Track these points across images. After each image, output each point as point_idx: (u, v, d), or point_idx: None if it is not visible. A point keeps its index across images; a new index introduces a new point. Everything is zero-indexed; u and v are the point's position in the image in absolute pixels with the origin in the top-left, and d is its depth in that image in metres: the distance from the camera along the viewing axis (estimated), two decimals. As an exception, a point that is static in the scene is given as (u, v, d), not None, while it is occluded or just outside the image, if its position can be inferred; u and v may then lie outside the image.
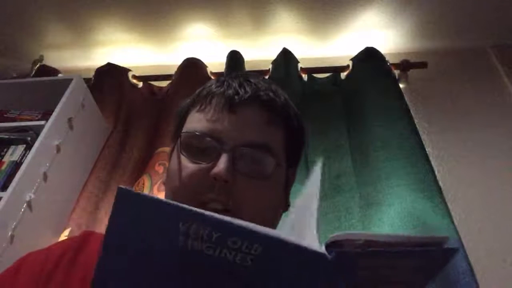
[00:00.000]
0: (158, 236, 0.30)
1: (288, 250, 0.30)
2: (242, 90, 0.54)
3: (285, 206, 0.61)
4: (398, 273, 0.33)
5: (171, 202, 0.30)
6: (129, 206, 0.30)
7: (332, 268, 0.30)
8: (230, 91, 0.54)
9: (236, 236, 0.29)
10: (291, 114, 0.58)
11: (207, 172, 0.50)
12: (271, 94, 0.56)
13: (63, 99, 1.19)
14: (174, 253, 0.30)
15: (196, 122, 0.54)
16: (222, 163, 0.49)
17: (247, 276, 0.31)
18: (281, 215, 0.59)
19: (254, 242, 0.30)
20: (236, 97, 0.53)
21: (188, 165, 0.51)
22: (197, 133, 0.52)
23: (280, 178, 0.56)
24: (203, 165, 0.51)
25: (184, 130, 0.55)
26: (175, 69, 1.57)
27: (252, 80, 0.56)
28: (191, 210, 0.30)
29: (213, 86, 0.56)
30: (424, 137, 1.29)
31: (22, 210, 0.99)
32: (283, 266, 0.31)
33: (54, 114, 1.15)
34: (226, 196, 0.49)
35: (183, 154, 0.52)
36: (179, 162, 0.53)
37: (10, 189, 0.97)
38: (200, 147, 0.52)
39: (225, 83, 0.56)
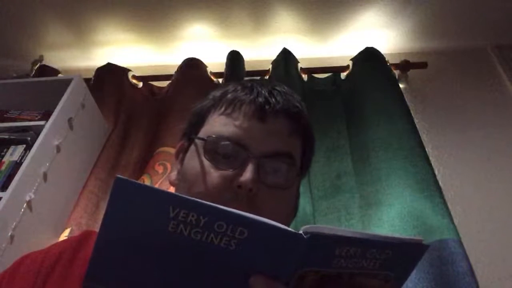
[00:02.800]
0: (150, 222, 0.32)
1: (268, 232, 0.32)
2: (273, 99, 0.54)
3: (295, 213, 0.61)
4: (369, 265, 0.35)
5: (162, 189, 0.32)
6: (125, 194, 0.31)
7: (307, 247, 0.32)
8: (261, 99, 0.54)
9: (222, 220, 0.31)
10: (309, 125, 0.59)
11: (231, 180, 0.49)
12: (298, 105, 0.57)
13: (63, 99, 1.19)
14: (164, 238, 0.32)
15: (222, 126, 0.53)
16: (248, 172, 0.48)
17: (231, 259, 0.33)
18: (291, 222, 0.60)
19: (238, 225, 0.31)
20: (267, 106, 0.53)
21: (212, 172, 0.51)
22: (224, 139, 0.52)
23: (296, 187, 0.57)
24: (228, 172, 0.50)
25: (207, 132, 0.54)
26: (175, 69, 1.57)
27: (279, 89, 0.56)
28: (181, 197, 0.32)
29: (240, 92, 0.55)
30: (424, 137, 1.29)
31: (22, 210, 0.99)
32: (264, 249, 0.33)
33: (54, 114, 1.15)
34: (248, 205, 0.49)
35: (206, 159, 0.52)
36: (202, 167, 0.52)
37: (10, 189, 0.97)
38: (226, 153, 0.51)
39: (254, 90, 0.55)
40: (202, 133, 0.55)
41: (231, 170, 0.50)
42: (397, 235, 0.36)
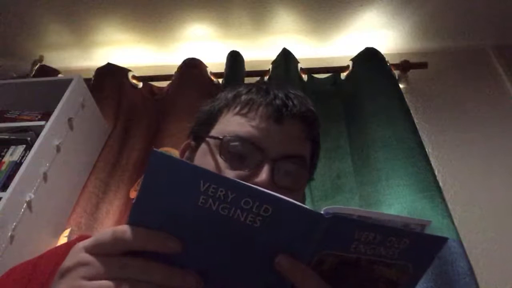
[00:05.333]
0: (182, 195, 0.33)
1: (291, 210, 0.33)
2: (290, 103, 0.54)
3: None
4: (387, 253, 0.35)
5: (194, 164, 0.33)
6: (160, 167, 0.33)
7: (327, 228, 0.33)
8: (278, 102, 0.54)
9: (248, 197, 0.32)
10: (319, 130, 0.61)
11: (246, 180, 0.48)
12: (313, 109, 0.58)
13: (63, 99, 1.19)
14: (194, 211, 0.33)
15: (237, 125, 0.53)
16: (264, 174, 0.49)
17: (255, 237, 0.34)
18: None
19: (263, 203, 0.33)
20: (284, 109, 0.53)
21: (227, 171, 0.50)
22: (240, 139, 0.51)
23: (303, 189, 0.58)
24: (243, 172, 0.50)
25: (221, 131, 0.53)
26: (175, 69, 1.57)
27: (294, 93, 0.57)
28: (212, 173, 0.33)
29: (255, 94, 0.55)
30: (424, 137, 1.30)
31: (22, 210, 0.99)
32: (287, 227, 0.34)
33: (54, 114, 1.15)
34: None
35: (222, 158, 0.51)
36: (217, 166, 0.51)
37: (10, 189, 0.97)
38: (241, 154, 0.51)
39: (271, 92, 0.55)
40: (215, 132, 0.55)
41: (246, 170, 0.50)
42: (406, 215, 0.36)
